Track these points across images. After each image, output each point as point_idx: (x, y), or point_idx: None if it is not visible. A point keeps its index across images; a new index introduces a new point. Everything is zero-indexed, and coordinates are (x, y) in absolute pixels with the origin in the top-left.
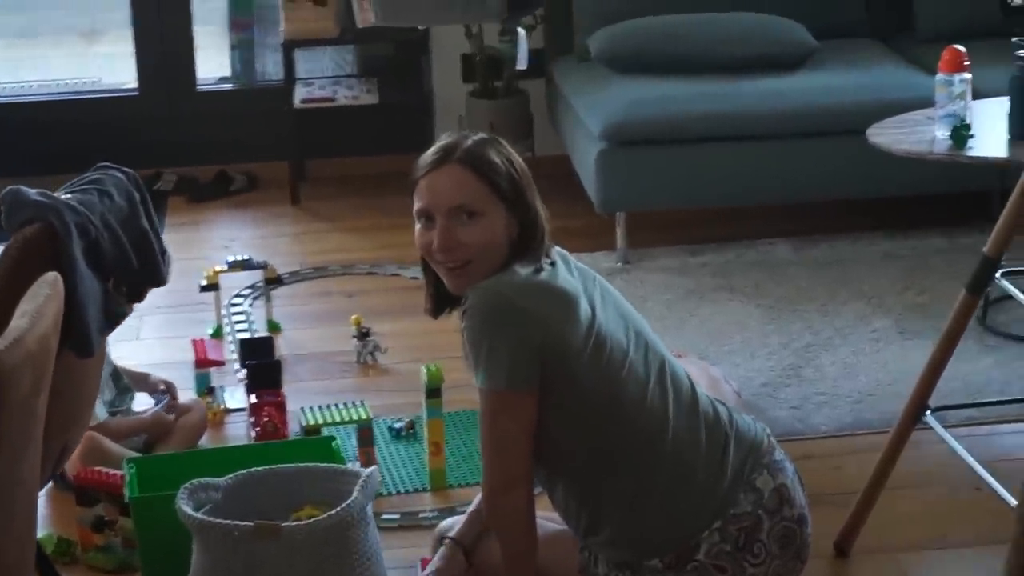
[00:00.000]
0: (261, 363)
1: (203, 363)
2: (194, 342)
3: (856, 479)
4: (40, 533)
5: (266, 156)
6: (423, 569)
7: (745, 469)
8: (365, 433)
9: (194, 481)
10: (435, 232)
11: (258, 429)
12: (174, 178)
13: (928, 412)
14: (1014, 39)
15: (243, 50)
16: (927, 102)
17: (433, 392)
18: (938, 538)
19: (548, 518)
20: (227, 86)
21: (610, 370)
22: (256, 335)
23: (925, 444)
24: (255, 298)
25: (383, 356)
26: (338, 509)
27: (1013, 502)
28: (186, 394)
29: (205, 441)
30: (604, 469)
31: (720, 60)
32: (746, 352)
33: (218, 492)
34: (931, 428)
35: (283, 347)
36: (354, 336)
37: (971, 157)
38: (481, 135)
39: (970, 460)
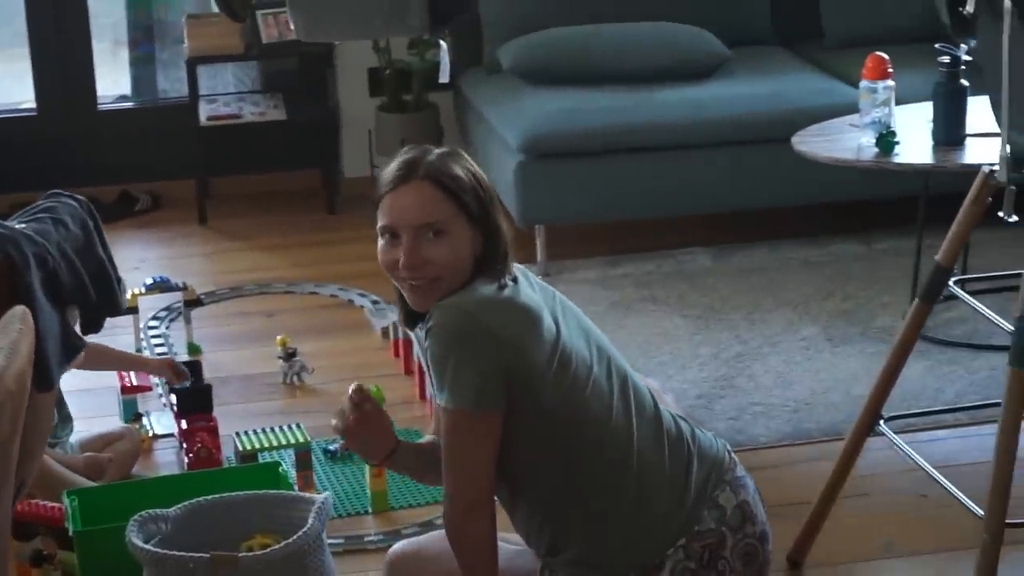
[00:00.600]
0: (191, 387)
1: (129, 389)
2: None
3: (800, 489)
4: None
5: (170, 175)
6: None
7: (708, 486)
8: (303, 456)
9: (143, 513)
10: (400, 249)
11: (191, 455)
12: None
13: (882, 421)
14: (937, 45)
15: (143, 67)
16: (841, 109)
17: None
18: (887, 546)
19: (506, 538)
20: (128, 104)
21: (575, 387)
22: (181, 358)
23: (866, 453)
24: (172, 320)
25: (309, 376)
26: (295, 537)
27: (973, 507)
28: (113, 421)
29: (135, 469)
30: (568, 488)
31: (633, 70)
32: (677, 364)
33: (167, 523)
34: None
35: (205, 370)
36: (279, 357)
37: (899, 164)
38: (444, 149)
39: (929, 468)
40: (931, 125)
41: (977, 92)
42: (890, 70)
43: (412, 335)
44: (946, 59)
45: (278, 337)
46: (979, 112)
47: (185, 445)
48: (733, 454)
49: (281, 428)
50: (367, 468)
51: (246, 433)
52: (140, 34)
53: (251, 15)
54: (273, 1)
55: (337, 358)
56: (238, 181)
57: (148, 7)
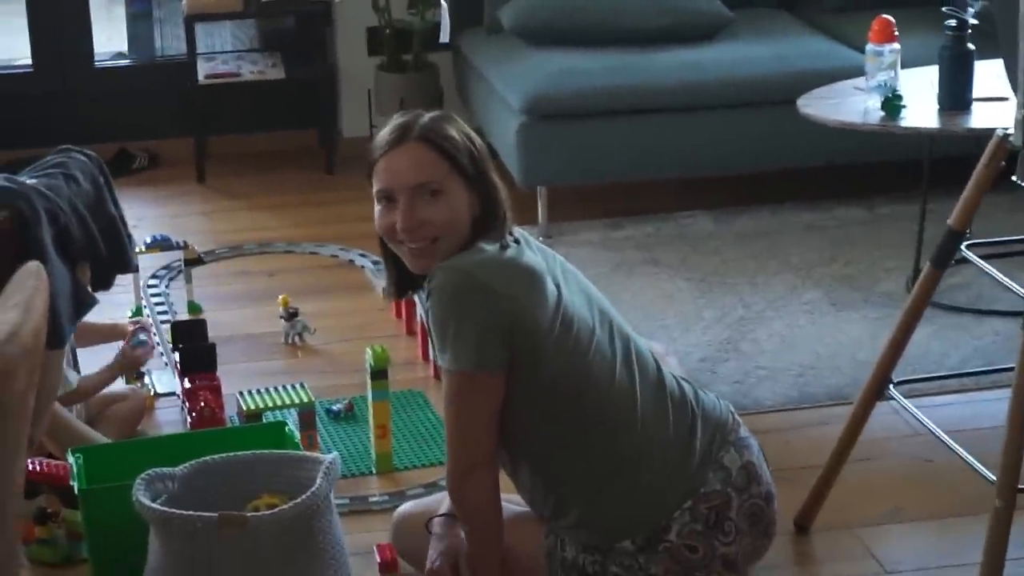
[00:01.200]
0: (195, 346)
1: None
2: None
3: (806, 453)
4: None
5: (167, 133)
6: (380, 556)
7: (713, 447)
8: (307, 416)
9: (150, 471)
10: (397, 212)
11: (194, 415)
12: None
13: (891, 386)
14: (944, 8)
15: (140, 23)
16: (843, 72)
17: (379, 374)
18: (893, 511)
19: (512, 500)
20: (125, 62)
21: (577, 350)
22: (182, 318)
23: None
24: (171, 279)
25: (311, 336)
26: (303, 497)
27: (985, 472)
28: (117, 381)
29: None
30: (571, 451)
31: (635, 31)
32: (680, 327)
33: (174, 482)
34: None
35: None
36: (281, 316)
37: (905, 128)
38: (436, 112)
39: (939, 432)
40: (936, 89)
41: (984, 56)
42: (896, 33)
43: (416, 297)
44: (953, 22)
45: (280, 297)
46: (985, 76)
47: (188, 404)
48: (736, 415)
49: (284, 388)
50: (371, 428)
51: (249, 392)
52: None
53: None
54: None
55: (339, 318)
56: (236, 140)
57: None
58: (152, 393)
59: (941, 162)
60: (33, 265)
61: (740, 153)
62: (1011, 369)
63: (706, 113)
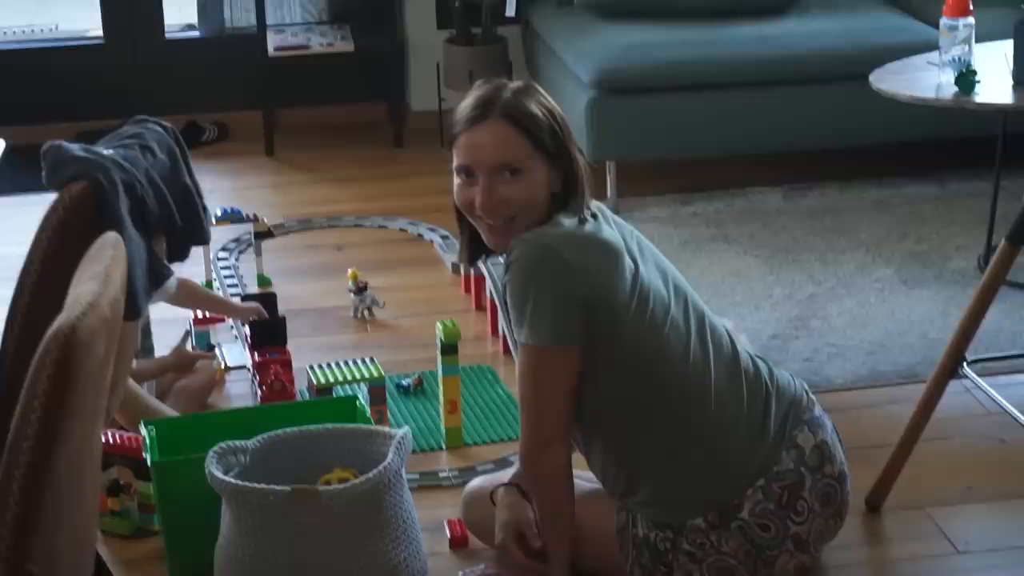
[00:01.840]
0: (266, 320)
1: (201, 321)
2: None
3: (877, 432)
4: None
5: (237, 105)
6: (451, 531)
7: (787, 426)
8: (377, 391)
9: (222, 444)
10: (477, 189)
11: (264, 388)
12: None
13: (965, 364)
14: None
15: None
16: (914, 47)
17: (449, 348)
18: (965, 491)
19: (583, 477)
20: (195, 34)
21: (653, 325)
22: (252, 291)
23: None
24: (241, 252)
25: (380, 310)
26: (375, 472)
27: None
28: None
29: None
30: (644, 426)
31: (706, 5)
32: (750, 303)
33: (247, 455)
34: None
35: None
36: (351, 290)
37: (979, 103)
38: (518, 83)
39: (1015, 412)
40: (1011, 64)
41: None
42: (971, 7)
43: (484, 269)
44: None
45: (349, 271)
46: None
47: (258, 377)
48: (811, 393)
49: (354, 362)
50: (441, 404)
51: (319, 366)
52: None
53: None
54: None
55: (408, 292)
56: (305, 112)
57: None
58: (222, 366)
59: (1015, 138)
60: (111, 236)
61: (809, 129)
62: None
63: (776, 88)
